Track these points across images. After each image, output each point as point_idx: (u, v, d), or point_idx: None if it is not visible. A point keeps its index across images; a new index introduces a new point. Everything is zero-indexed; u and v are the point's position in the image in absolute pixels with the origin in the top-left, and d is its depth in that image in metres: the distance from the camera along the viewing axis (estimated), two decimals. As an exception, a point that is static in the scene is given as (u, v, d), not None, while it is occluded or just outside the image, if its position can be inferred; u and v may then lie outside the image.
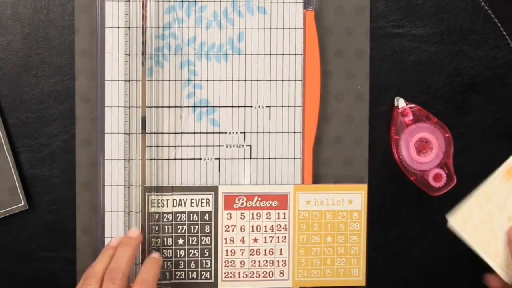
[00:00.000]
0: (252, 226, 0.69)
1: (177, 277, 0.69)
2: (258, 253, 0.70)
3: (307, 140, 0.70)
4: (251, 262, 0.70)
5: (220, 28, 0.69)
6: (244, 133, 0.70)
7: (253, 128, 0.70)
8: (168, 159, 0.69)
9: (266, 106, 0.70)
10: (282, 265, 0.70)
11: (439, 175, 0.71)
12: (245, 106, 0.70)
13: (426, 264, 0.74)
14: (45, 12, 0.69)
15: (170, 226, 0.69)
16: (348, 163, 0.72)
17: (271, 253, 0.70)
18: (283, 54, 0.70)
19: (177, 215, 0.69)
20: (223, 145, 0.70)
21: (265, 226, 0.70)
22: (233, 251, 0.69)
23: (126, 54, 0.68)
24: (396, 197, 0.73)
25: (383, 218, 0.73)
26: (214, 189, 0.69)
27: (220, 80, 0.69)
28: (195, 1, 0.69)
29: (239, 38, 0.69)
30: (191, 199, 0.69)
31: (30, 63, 0.69)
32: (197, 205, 0.69)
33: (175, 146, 0.69)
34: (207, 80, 0.69)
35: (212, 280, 0.69)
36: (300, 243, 0.70)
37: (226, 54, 0.69)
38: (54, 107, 0.70)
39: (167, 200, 0.68)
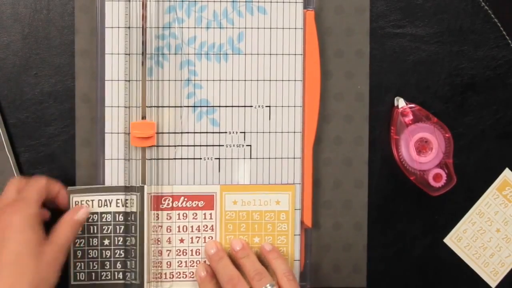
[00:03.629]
0: (179, 227, 0.69)
1: (102, 278, 0.68)
2: (184, 253, 0.69)
3: (307, 140, 0.70)
4: (178, 262, 0.69)
5: (220, 28, 0.69)
6: (244, 133, 0.70)
7: (253, 128, 0.70)
8: (168, 159, 0.69)
9: (266, 106, 0.70)
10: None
11: (439, 175, 0.71)
12: (245, 106, 0.70)
13: (426, 264, 0.74)
14: (45, 12, 0.69)
15: (95, 227, 0.68)
16: (348, 163, 0.72)
17: (197, 253, 0.69)
18: (283, 54, 0.70)
19: (103, 215, 0.68)
20: (223, 145, 0.70)
21: (192, 227, 0.69)
22: (159, 251, 0.69)
23: (126, 54, 0.68)
24: (396, 197, 0.73)
25: (383, 218, 0.73)
26: (139, 189, 0.68)
27: (220, 80, 0.69)
28: (195, 1, 0.69)
29: (239, 38, 0.69)
30: (117, 199, 0.68)
31: (30, 63, 0.69)
32: (123, 206, 0.68)
33: (175, 146, 0.69)
34: (207, 80, 0.69)
35: (138, 282, 0.69)
36: (227, 243, 0.69)
37: (226, 54, 0.69)
38: (54, 107, 0.70)
39: (92, 200, 0.68)
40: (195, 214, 0.69)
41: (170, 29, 0.68)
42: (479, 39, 0.73)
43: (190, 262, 0.69)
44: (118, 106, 0.68)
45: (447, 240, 0.74)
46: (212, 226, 0.69)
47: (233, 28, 0.69)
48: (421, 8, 0.72)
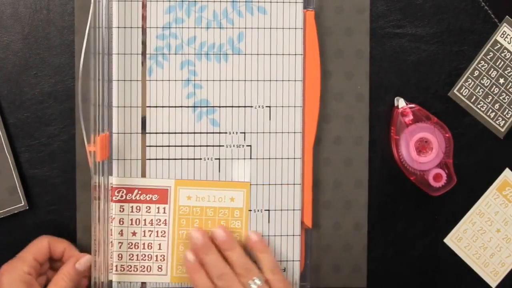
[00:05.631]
0: (131, 220, 0.69)
1: None
2: (136, 246, 0.69)
3: (307, 140, 0.70)
4: (129, 255, 0.69)
5: (220, 28, 0.69)
6: (244, 133, 0.70)
7: (253, 128, 0.70)
8: (168, 159, 0.69)
9: (266, 106, 0.70)
10: (160, 260, 0.69)
11: (439, 175, 0.71)
12: (245, 106, 0.70)
13: (426, 264, 0.74)
14: (45, 12, 0.69)
15: None
16: (348, 163, 0.72)
17: (149, 247, 0.69)
18: (283, 54, 0.70)
19: None
20: (223, 145, 0.70)
21: (145, 220, 0.69)
22: (111, 243, 0.69)
23: (126, 54, 0.68)
24: (396, 197, 0.73)
25: (383, 218, 0.73)
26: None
27: (220, 80, 0.69)
28: (195, 1, 0.69)
29: (239, 38, 0.69)
30: None
31: (30, 63, 0.69)
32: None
33: (175, 146, 0.69)
34: (207, 80, 0.69)
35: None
36: (179, 238, 0.69)
37: (226, 54, 0.69)
38: (54, 107, 0.70)
39: None
40: (148, 208, 0.69)
41: (170, 29, 0.68)
42: (479, 39, 0.73)
43: (142, 256, 0.69)
44: (118, 106, 0.68)
45: (447, 240, 0.74)
46: (165, 220, 0.69)
47: (233, 28, 0.69)
48: (421, 8, 0.72)
